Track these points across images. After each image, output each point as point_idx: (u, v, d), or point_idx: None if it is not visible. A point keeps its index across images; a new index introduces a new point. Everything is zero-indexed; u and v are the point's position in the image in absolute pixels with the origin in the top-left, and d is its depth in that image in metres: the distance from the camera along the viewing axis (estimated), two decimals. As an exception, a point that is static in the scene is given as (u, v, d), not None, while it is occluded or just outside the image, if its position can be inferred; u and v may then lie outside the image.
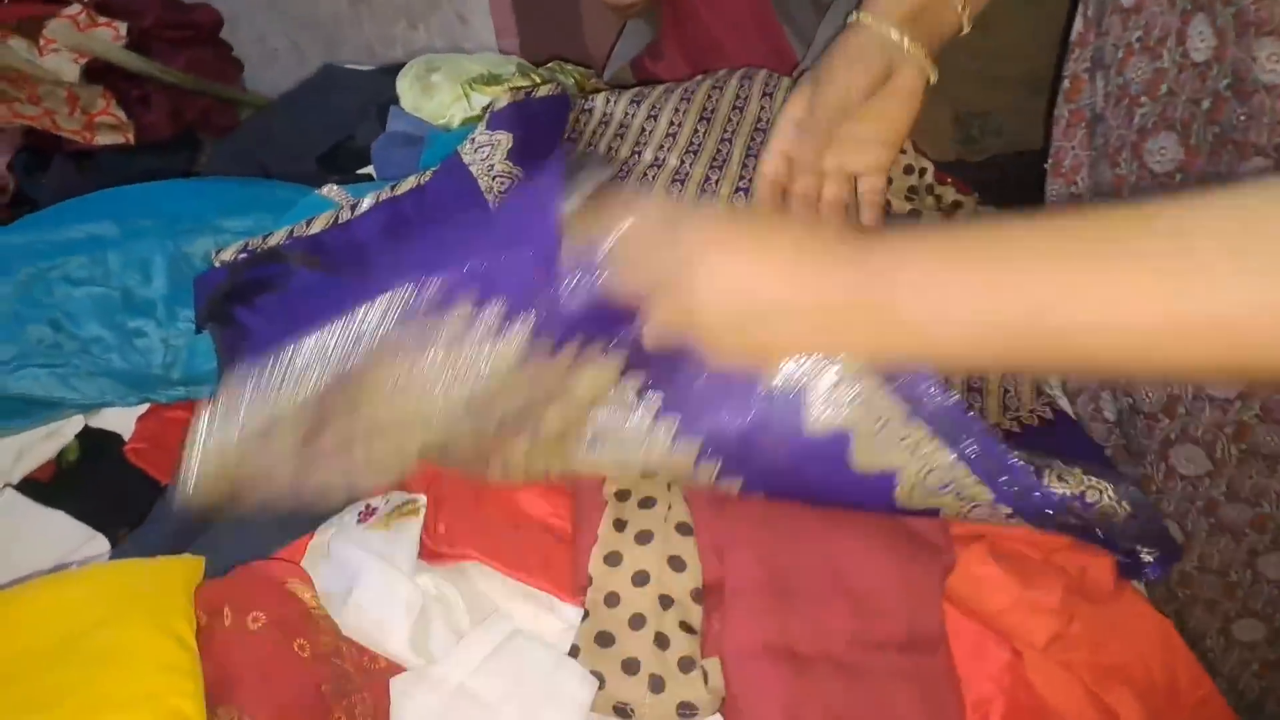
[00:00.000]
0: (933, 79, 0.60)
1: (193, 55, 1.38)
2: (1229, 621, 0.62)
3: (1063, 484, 0.45)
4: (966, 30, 0.61)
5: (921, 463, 0.44)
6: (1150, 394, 0.57)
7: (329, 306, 0.55)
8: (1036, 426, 0.61)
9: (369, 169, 0.83)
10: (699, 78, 0.81)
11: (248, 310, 0.60)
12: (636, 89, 0.81)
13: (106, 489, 0.61)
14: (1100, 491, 0.46)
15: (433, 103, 0.82)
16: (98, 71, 1.24)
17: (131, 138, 1.20)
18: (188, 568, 0.47)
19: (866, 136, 0.61)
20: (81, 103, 1.19)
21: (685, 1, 0.95)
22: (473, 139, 0.67)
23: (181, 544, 0.51)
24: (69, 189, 0.94)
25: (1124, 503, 0.46)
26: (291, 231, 0.64)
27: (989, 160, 0.84)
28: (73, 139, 1.13)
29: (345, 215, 0.65)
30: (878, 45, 0.58)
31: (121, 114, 1.21)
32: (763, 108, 0.77)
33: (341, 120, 0.95)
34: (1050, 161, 0.63)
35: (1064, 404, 0.64)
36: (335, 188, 0.70)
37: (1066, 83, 0.59)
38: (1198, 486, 0.57)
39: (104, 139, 1.17)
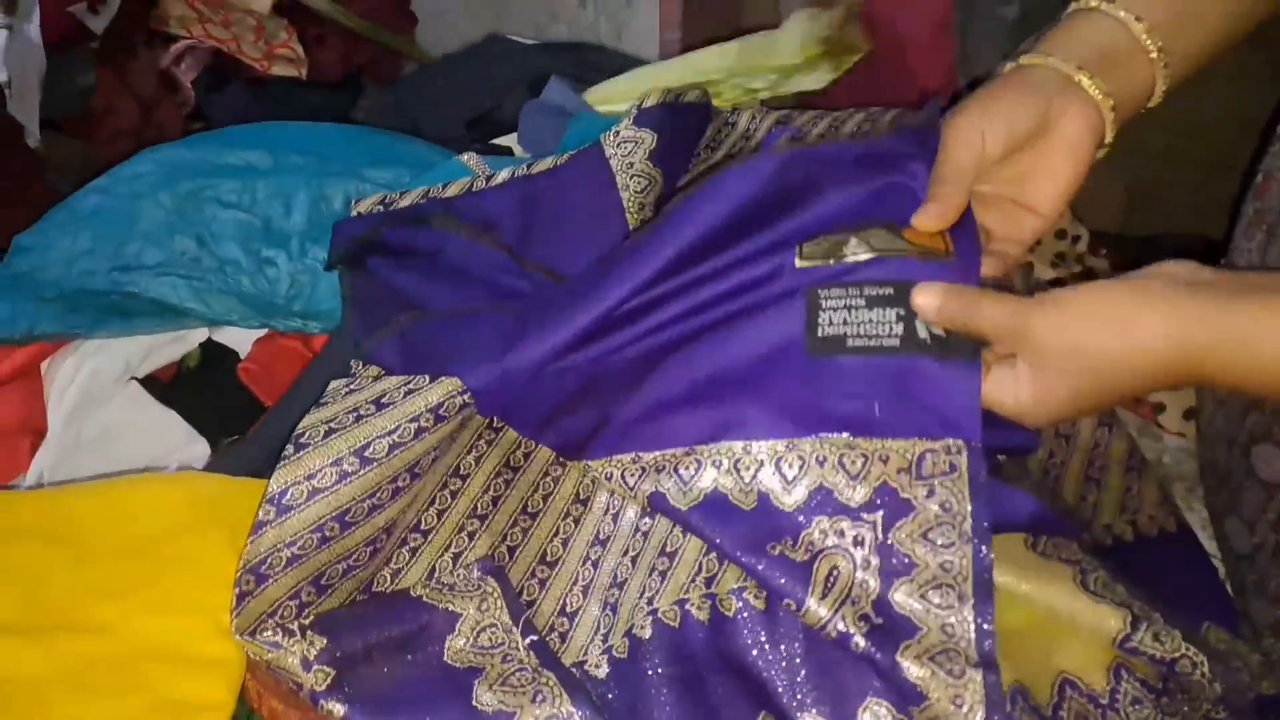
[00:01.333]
0: (1109, 138, 0.49)
1: (373, 2, 1.44)
2: None
3: (1157, 644, 0.44)
4: (1158, 98, 0.50)
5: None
6: None
7: (478, 290, 0.58)
8: (1153, 538, 0.57)
9: (509, 138, 0.84)
10: (850, 110, 0.78)
11: (389, 264, 0.63)
12: (784, 111, 0.79)
13: (216, 399, 0.65)
14: (1195, 665, 0.44)
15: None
16: (284, 7, 1.30)
17: (304, 73, 1.26)
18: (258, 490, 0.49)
19: (1017, 198, 0.50)
20: (266, 33, 1.26)
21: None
22: (616, 131, 0.66)
23: (268, 468, 0.53)
24: (240, 111, 1.01)
25: (1216, 684, 0.45)
26: (427, 192, 0.66)
27: (1152, 239, 0.78)
28: (251, 66, 1.20)
29: (480, 185, 0.67)
30: (1043, 86, 0.47)
31: (299, 49, 1.27)
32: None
33: (494, 90, 0.97)
34: (1225, 260, 0.58)
35: (1191, 518, 0.59)
36: (474, 156, 0.72)
37: (1259, 178, 0.54)
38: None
39: (279, 70, 1.24)
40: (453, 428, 0.52)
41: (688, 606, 0.49)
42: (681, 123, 0.70)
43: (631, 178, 0.64)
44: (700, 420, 0.49)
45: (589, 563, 0.53)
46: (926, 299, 0.45)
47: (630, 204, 0.63)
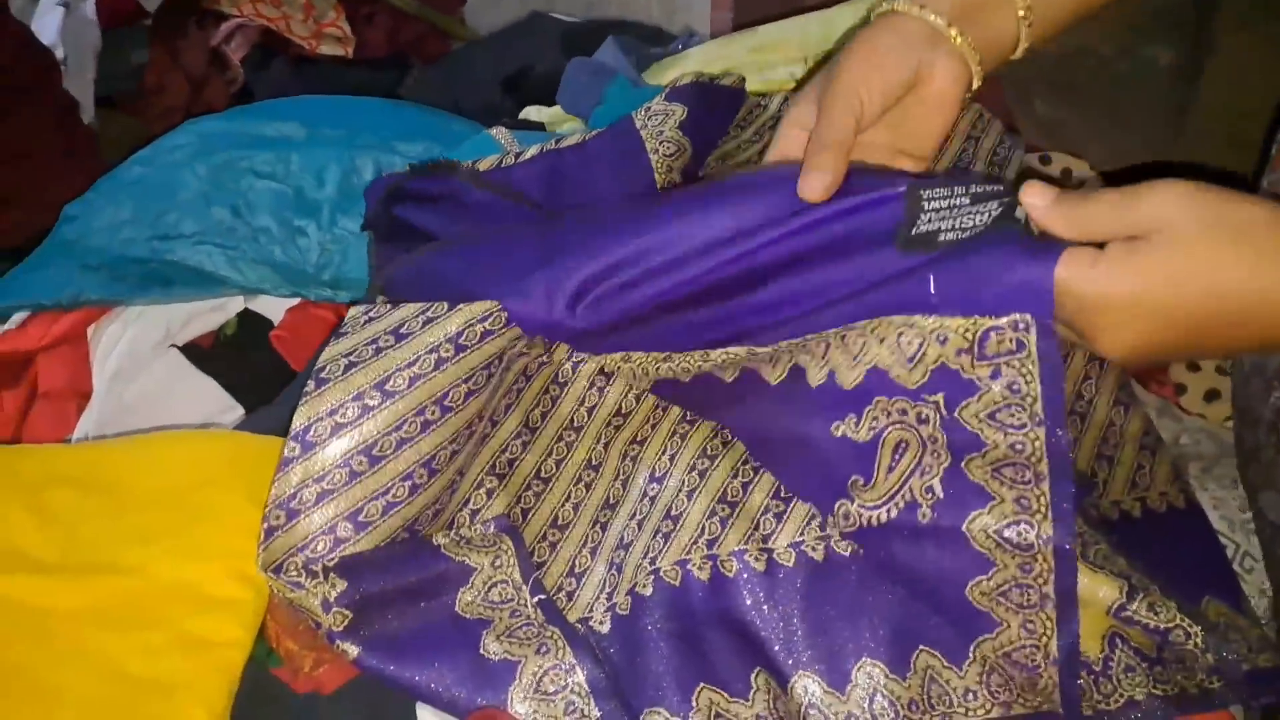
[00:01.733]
0: (976, 84, 0.50)
1: (420, -18, 1.46)
2: None
3: (1151, 614, 0.44)
4: (1021, 52, 0.52)
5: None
6: None
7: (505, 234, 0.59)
8: (1161, 513, 0.57)
9: (542, 112, 0.85)
10: None
11: (413, 208, 0.64)
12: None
13: (252, 366, 0.68)
14: (1189, 635, 0.44)
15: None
16: (335, -15, 1.33)
17: (350, 51, 1.29)
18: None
19: (892, 144, 0.52)
20: (315, 12, 1.29)
21: None
22: (648, 107, 0.68)
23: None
24: (284, 89, 1.04)
25: (1209, 654, 0.44)
26: (456, 166, 0.68)
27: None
28: (299, 44, 1.23)
29: (509, 161, 0.69)
30: (913, 41, 0.49)
31: (347, 28, 1.30)
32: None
33: (531, 60, 0.98)
34: None
35: (1203, 497, 0.59)
36: (504, 130, 0.73)
37: (1275, 150, 0.54)
38: None
39: (326, 49, 1.27)
40: (482, 358, 0.51)
41: (689, 566, 0.50)
42: (713, 100, 0.71)
43: (661, 143, 0.65)
44: (777, 314, 0.49)
45: (598, 525, 0.55)
46: (1040, 194, 0.42)
47: (659, 165, 0.64)
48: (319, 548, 0.47)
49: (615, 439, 0.58)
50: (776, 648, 0.47)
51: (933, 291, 0.43)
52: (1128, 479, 0.57)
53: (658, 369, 0.55)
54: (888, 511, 0.45)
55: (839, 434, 0.46)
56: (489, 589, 0.50)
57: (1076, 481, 0.54)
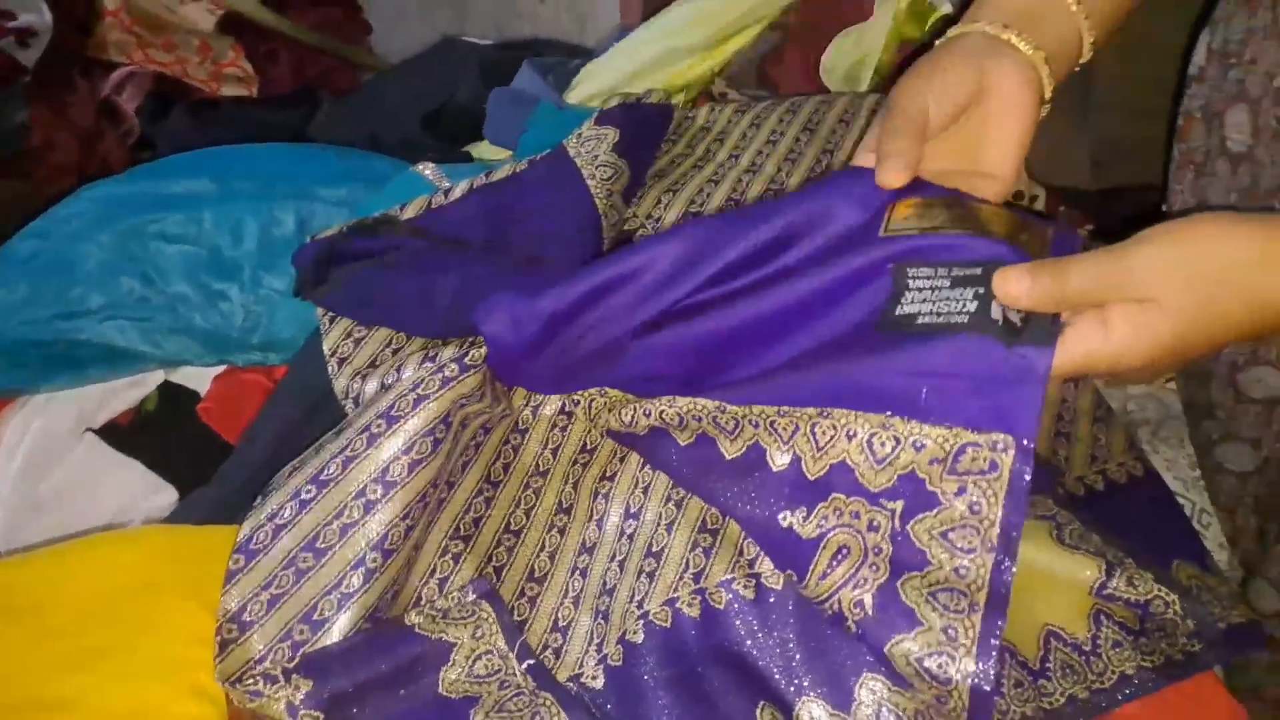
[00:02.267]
0: (1048, 93, 0.49)
1: (324, 13, 1.41)
2: None
3: (1130, 588, 0.45)
4: (1089, 50, 0.52)
5: None
6: None
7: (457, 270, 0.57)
8: (1123, 484, 0.57)
9: (469, 147, 0.83)
10: (805, 95, 0.79)
11: (370, 271, 0.61)
12: (742, 101, 0.80)
13: (179, 443, 0.63)
14: (1167, 604, 0.45)
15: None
16: (230, 23, 1.27)
17: (254, 91, 1.23)
18: (231, 538, 0.47)
19: (972, 166, 0.49)
20: (213, 53, 1.23)
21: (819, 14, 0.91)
22: (579, 134, 0.67)
23: (235, 510, 0.51)
24: (186, 137, 0.98)
25: (1188, 620, 0.45)
26: (386, 217, 0.65)
27: (1110, 192, 0.78)
28: (199, 88, 1.17)
29: (439, 200, 0.66)
30: (974, 51, 0.47)
31: (248, 67, 1.24)
32: (869, 124, 0.73)
33: (450, 93, 0.95)
34: (1165, 204, 0.59)
35: (1156, 460, 0.60)
36: (431, 166, 0.70)
37: (1181, 120, 0.55)
38: None
39: (228, 90, 1.21)
40: (422, 423, 0.49)
41: (678, 605, 0.48)
42: (643, 119, 0.71)
43: (598, 168, 0.64)
44: (759, 389, 0.48)
45: (577, 573, 0.52)
46: (1015, 283, 0.41)
47: (599, 191, 0.63)
48: (278, 656, 0.44)
49: (584, 477, 0.55)
50: (777, 676, 0.45)
51: (923, 398, 0.42)
52: (1087, 454, 0.57)
53: (621, 412, 0.53)
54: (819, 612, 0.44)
55: (785, 524, 0.45)
56: (473, 663, 0.47)
57: (1040, 464, 0.54)
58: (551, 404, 0.58)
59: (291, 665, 0.44)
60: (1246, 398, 0.54)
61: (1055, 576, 0.45)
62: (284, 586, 0.46)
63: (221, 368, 0.65)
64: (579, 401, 0.56)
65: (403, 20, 1.71)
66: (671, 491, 0.52)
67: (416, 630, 0.47)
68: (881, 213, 0.47)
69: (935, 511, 0.41)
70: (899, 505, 0.42)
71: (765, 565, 0.48)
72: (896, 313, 0.44)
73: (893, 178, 0.45)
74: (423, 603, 0.49)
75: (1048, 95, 0.48)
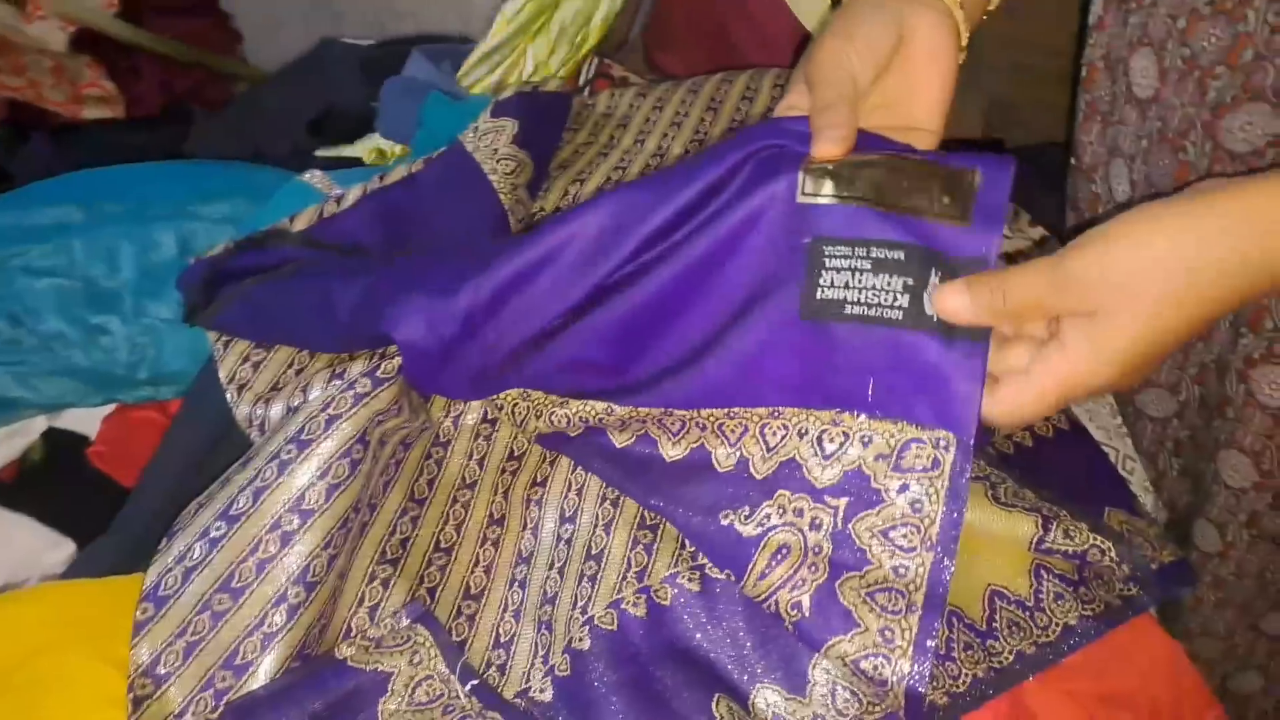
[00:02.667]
0: (964, 40, 0.48)
1: (188, 24, 1.33)
2: (1260, 618, 0.61)
3: (1068, 540, 0.45)
4: (996, 3, 0.52)
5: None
6: (1213, 387, 0.54)
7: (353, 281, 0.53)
8: (1050, 438, 0.58)
9: (352, 149, 0.79)
10: (705, 75, 0.78)
11: (262, 286, 0.57)
12: (642, 84, 0.79)
13: (72, 492, 0.59)
14: (1103, 552, 0.46)
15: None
16: (86, 40, 1.19)
17: (121, 111, 1.16)
18: (135, 587, 0.44)
19: (898, 122, 0.47)
20: (68, 74, 1.15)
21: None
22: (475, 127, 0.65)
23: (139, 558, 0.48)
24: (48, 165, 0.91)
25: (1124, 565, 0.46)
26: (277, 230, 0.62)
27: (1012, 150, 0.79)
28: (58, 112, 1.09)
29: (331, 208, 0.62)
30: (889, 3, 0.46)
31: (110, 86, 1.17)
32: (773, 99, 0.73)
33: (334, 95, 0.91)
34: (1073, 158, 0.60)
35: (1078, 412, 0.62)
36: (319, 174, 0.67)
37: (1084, 70, 0.55)
38: (1240, 498, 0.55)
39: (91, 112, 1.14)
40: (336, 446, 0.47)
41: (623, 606, 0.47)
42: (542, 108, 0.69)
43: (499, 161, 0.62)
44: (680, 387, 0.47)
45: (516, 584, 0.50)
46: (952, 299, 0.40)
47: (502, 185, 0.61)
48: (200, 706, 0.41)
49: (514, 485, 0.53)
50: (729, 666, 0.45)
51: (870, 394, 0.42)
52: None
53: (551, 416, 0.51)
54: None
55: (725, 521, 0.44)
56: (413, 690, 0.45)
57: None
58: (473, 413, 0.55)
59: (215, 715, 0.41)
60: (1221, 481, 0.55)
61: (994, 536, 0.46)
62: (200, 632, 0.43)
63: (110, 407, 0.60)
64: (502, 407, 0.53)
65: (278, 27, 1.63)
66: (606, 491, 0.51)
67: (349, 663, 0.45)
68: (797, 171, 0.45)
69: (878, 509, 0.42)
70: (843, 502, 0.42)
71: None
72: (818, 296, 0.43)
73: (828, 150, 0.43)
74: (354, 633, 0.47)
75: (964, 42, 0.48)
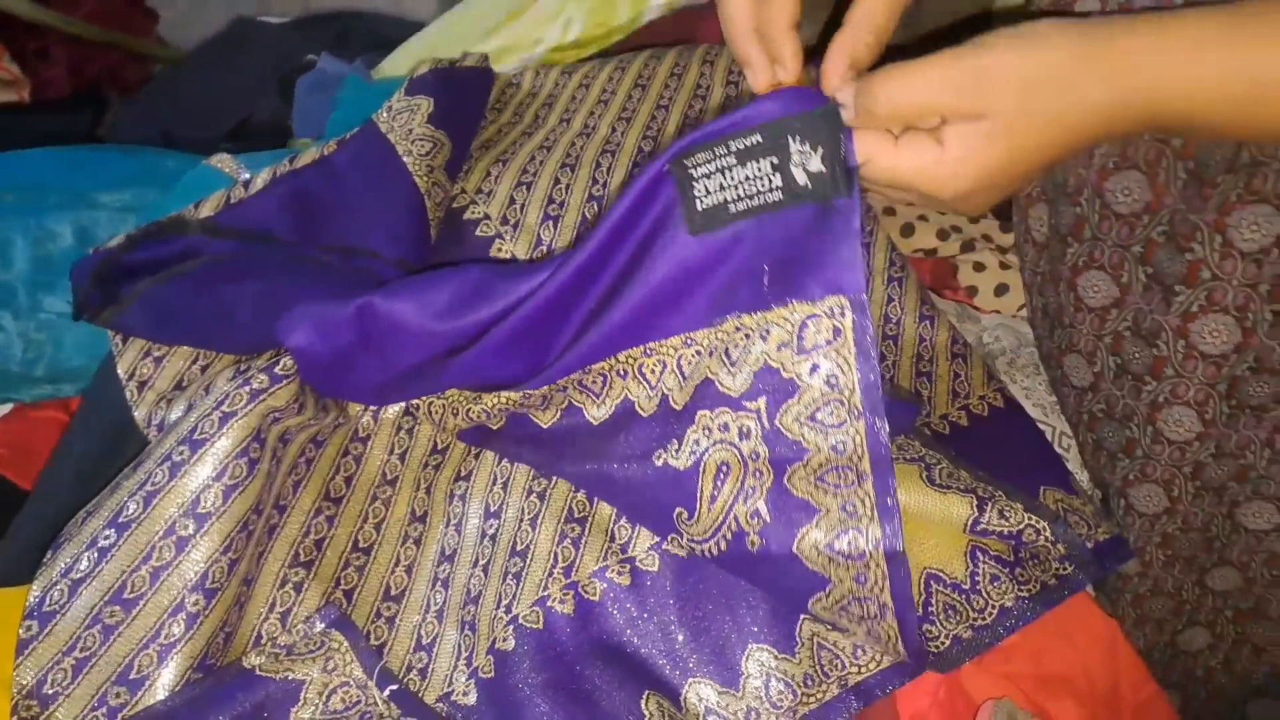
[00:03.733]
0: None
1: (100, 4, 1.27)
2: (1205, 573, 0.61)
3: (1003, 521, 0.44)
4: None
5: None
6: (1137, 353, 0.54)
7: (271, 278, 0.51)
8: (985, 416, 0.58)
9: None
10: (632, 53, 0.76)
11: (161, 287, 0.54)
12: (568, 63, 0.76)
13: (-34, 498, 0.55)
14: (1039, 531, 0.45)
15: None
16: (-12, 22, 1.13)
17: (27, 95, 1.10)
18: (24, 601, 0.41)
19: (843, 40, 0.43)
20: (-30, 56, 1.09)
21: None
22: (389, 106, 0.62)
23: (32, 569, 0.45)
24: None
25: (1059, 544, 0.46)
26: (179, 219, 0.58)
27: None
28: (-42, 97, 1.04)
29: (239, 194, 0.59)
30: None
31: (15, 69, 1.11)
32: (702, 74, 0.71)
33: (247, 86, 0.88)
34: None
35: (1014, 389, 0.62)
36: (227, 157, 0.64)
37: None
38: (1185, 451, 0.55)
39: (-5, 96, 1.08)
40: (233, 445, 0.44)
41: (549, 603, 0.45)
42: (460, 86, 0.66)
43: (413, 143, 0.59)
44: (596, 337, 0.45)
45: (438, 584, 0.48)
46: (869, 98, 0.37)
47: (417, 168, 0.59)
48: None
49: (437, 480, 0.52)
50: (661, 661, 0.44)
51: (765, 285, 0.41)
52: (948, 391, 0.58)
53: (469, 411, 0.49)
54: (716, 545, 0.42)
55: (660, 463, 0.43)
56: (327, 699, 0.43)
57: (909, 400, 0.54)
58: (394, 406, 0.53)
59: None
60: (1084, 305, 0.55)
61: (929, 518, 0.45)
62: (90, 648, 0.40)
63: (7, 407, 0.58)
64: (419, 406, 0.52)
65: (200, 5, 1.57)
66: (533, 483, 0.49)
67: (258, 672, 0.43)
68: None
69: (797, 397, 0.40)
70: (762, 402, 0.41)
71: (639, 547, 0.46)
72: (699, 208, 0.41)
73: (756, 86, 0.43)
74: (263, 641, 0.45)
75: None
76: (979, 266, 0.70)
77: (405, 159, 0.59)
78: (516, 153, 0.65)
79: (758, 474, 0.41)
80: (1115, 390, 0.56)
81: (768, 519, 0.40)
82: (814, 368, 0.40)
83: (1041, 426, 0.59)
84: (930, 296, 0.64)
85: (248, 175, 0.61)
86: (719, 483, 0.41)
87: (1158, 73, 0.36)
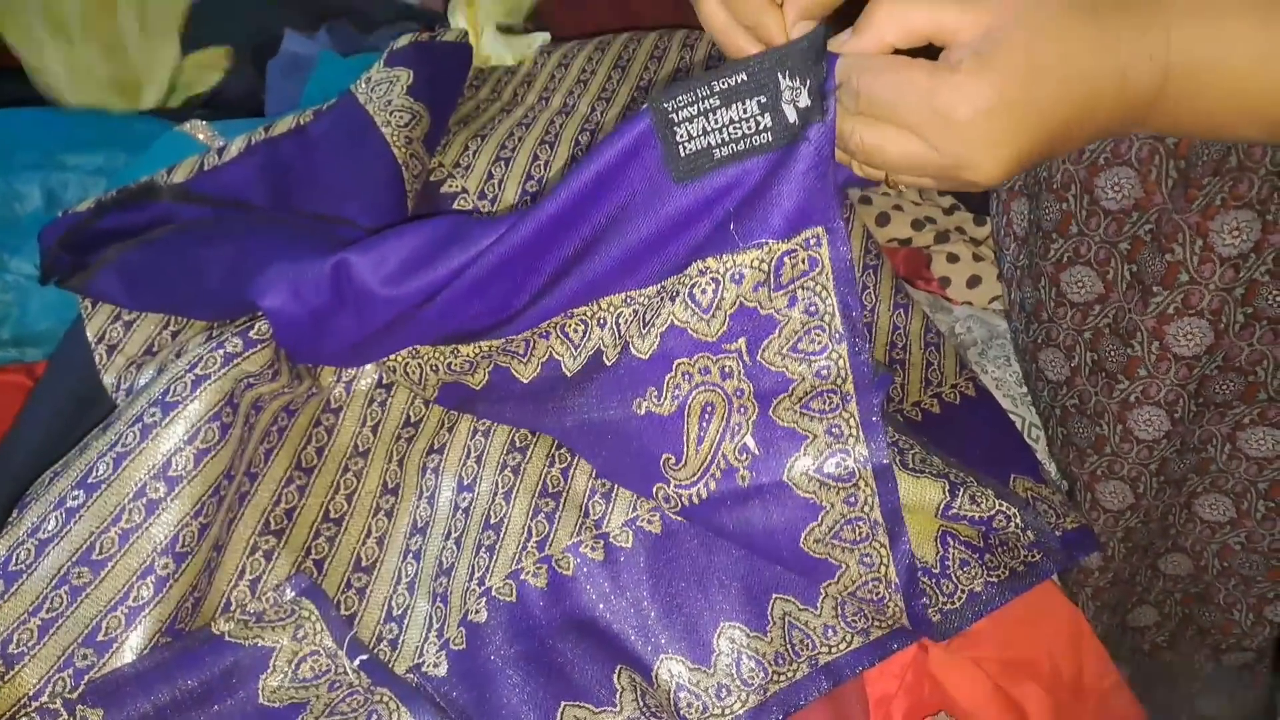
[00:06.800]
0: None
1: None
2: (1158, 557, 0.63)
3: (974, 506, 0.44)
4: None
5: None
6: (1113, 352, 0.55)
7: (237, 244, 0.50)
8: (956, 404, 0.58)
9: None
10: (611, 35, 0.76)
11: (132, 252, 0.54)
12: (546, 44, 0.76)
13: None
14: (1009, 518, 0.45)
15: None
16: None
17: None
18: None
19: None
20: (-69, 15, 1.06)
21: None
22: (368, 77, 0.62)
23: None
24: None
25: (1029, 531, 0.46)
26: (151, 183, 0.57)
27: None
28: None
29: (213, 160, 0.59)
30: None
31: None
32: (682, 58, 0.72)
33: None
34: None
35: (985, 380, 0.62)
36: (201, 123, 0.63)
37: None
38: (1153, 450, 0.56)
39: (-43, 58, 1.05)
40: (205, 408, 0.44)
41: (523, 577, 0.45)
42: (439, 60, 0.65)
43: (392, 114, 0.59)
44: (576, 282, 0.44)
45: (410, 556, 0.48)
46: (880, 8, 0.34)
47: (395, 139, 0.58)
48: (58, 687, 0.39)
49: (410, 452, 0.51)
50: (633, 637, 0.44)
51: (733, 228, 0.40)
52: (921, 379, 0.58)
53: (448, 364, 0.49)
54: (705, 486, 0.42)
55: (642, 411, 0.43)
56: (297, 666, 0.43)
57: (884, 371, 0.55)
58: (367, 378, 0.53)
59: (75, 696, 0.39)
60: (1065, 300, 0.56)
61: (903, 502, 0.45)
62: (57, 608, 0.40)
63: (-33, 371, 0.56)
64: (395, 369, 0.51)
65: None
66: (507, 458, 0.49)
67: (227, 638, 0.42)
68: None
69: (778, 330, 0.40)
70: (742, 343, 0.41)
71: (613, 523, 0.46)
72: (682, 154, 0.39)
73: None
74: (232, 608, 0.44)
75: None
76: (952, 258, 0.70)
77: (384, 129, 0.58)
78: (495, 128, 0.65)
79: (743, 410, 0.41)
80: (1089, 386, 0.57)
81: (756, 452, 0.41)
82: (792, 300, 0.40)
83: (1012, 417, 0.60)
84: (904, 286, 0.64)
85: (221, 142, 0.60)
86: (704, 423, 0.41)
87: (1190, 30, 0.32)
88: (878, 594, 0.43)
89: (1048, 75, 0.33)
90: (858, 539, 0.41)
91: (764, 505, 0.42)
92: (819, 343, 0.40)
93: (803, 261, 0.39)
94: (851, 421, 0.40)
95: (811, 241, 0.39)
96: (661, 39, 0.74)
